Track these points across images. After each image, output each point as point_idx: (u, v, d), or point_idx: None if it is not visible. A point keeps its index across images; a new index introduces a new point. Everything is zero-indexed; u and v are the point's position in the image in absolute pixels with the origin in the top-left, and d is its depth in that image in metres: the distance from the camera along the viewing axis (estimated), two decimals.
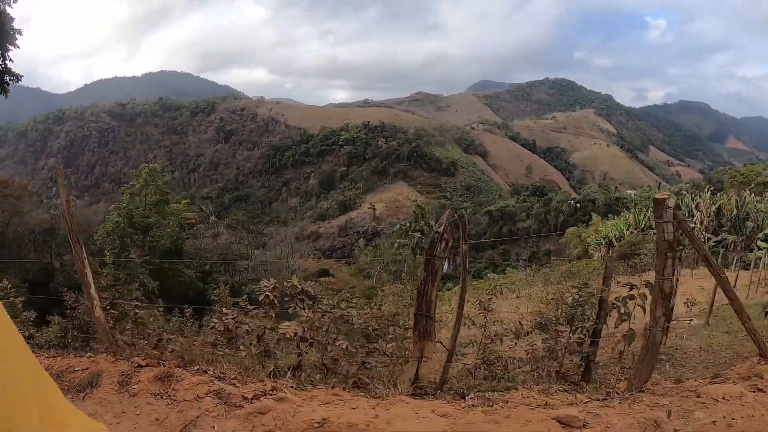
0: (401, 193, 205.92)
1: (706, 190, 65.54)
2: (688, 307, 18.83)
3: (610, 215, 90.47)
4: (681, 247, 8.05)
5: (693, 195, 65.09)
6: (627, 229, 63.74)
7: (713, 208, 58.28)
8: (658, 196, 6.76)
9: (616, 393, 6.35)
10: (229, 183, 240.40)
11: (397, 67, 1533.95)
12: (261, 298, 8.86)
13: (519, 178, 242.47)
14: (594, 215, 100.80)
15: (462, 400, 5.94)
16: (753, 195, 60.77)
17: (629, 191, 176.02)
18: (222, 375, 6.15)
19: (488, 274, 72.44)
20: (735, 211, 58.25)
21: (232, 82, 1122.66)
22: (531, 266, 78.58)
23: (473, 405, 5.61)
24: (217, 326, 8.24)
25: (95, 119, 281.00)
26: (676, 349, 12.97)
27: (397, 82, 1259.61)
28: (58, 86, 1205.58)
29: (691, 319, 18.05)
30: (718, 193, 66.41)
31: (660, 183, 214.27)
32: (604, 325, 8.75)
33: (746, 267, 41.49)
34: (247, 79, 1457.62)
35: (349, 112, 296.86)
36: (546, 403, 5.81)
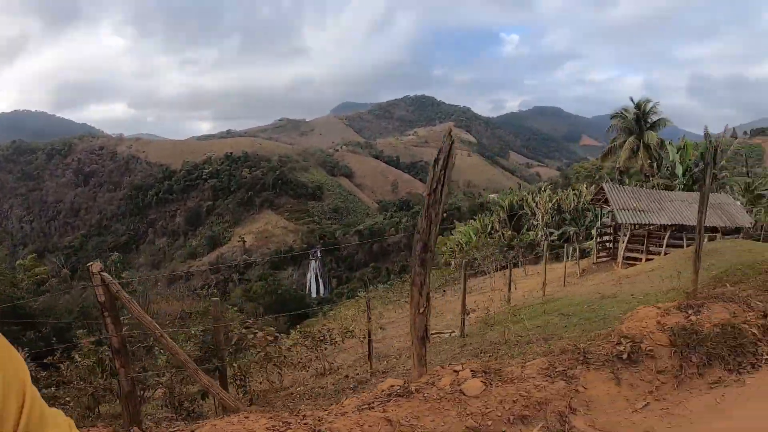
0: (269, 222, 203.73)
1: (543, 188, 68.14)
2: (469, 314, 18.64)
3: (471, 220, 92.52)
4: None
5: (533, 195, 67.54)
6: (475, 235, 65.18)
7: (549, 205, 60.45)
8: (89, 264, 7.33)
9: None
10: (92, 229, 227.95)
11: (260, 94, 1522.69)
12: None
13: (386, 195, 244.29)
14: (456, 223, 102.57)
15: None
16: (592, 187, 63.47)
17: (492, 195, 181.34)
18: None
19: (360, 293, 72.59)
20: (573, 204, 60.65)
21: (90, 119, 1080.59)
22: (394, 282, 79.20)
23: None
24: None
25: None
26: (354, 373, 12.84)
27: (261, 108, 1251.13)
28: None
29: (453, 332, 17.71)
30: (558, 190, 69.23)
31: (520, 184, 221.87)
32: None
33: (584, 256, 43.33)
34: (107, 115, 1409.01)
35: (212, 145, 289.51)
36: None
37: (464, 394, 5.45)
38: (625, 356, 6.06)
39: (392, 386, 5.88)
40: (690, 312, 7.14)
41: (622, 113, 56.85)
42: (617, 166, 57.26)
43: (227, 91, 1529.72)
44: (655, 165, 52.87)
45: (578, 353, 6.15)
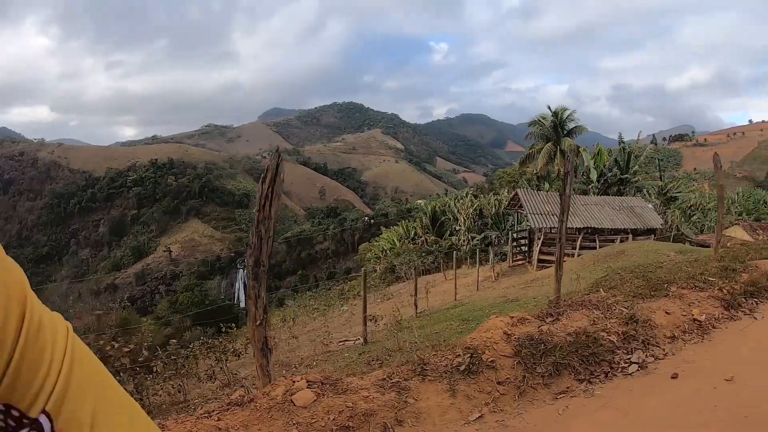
0: (196, 231, 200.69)
1: (465, 194, 68.83)
2: (375, 323, 18.40)
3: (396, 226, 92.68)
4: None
5: (456, 200, 68.25)
6: (399, 241, 65.45)
7: (470, 210, 61.08)
8: None
9: None
10: (12, 240, 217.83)
11: (187, 99, 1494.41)
12: None
13: (313, 202, 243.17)
14: (384, 229, 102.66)
15: None
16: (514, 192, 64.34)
17: (419, 201, 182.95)
18: None
19: (287, 302, 71.99)
20: (495, 209, 61.39)
21: (10, 122, 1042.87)
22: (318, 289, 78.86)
23: None
24: None
25: None
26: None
27: (188, 114, 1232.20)
28: None
29: (358, 339, 17.50)
30: (481, 195, 70.17)
31: (447, 190, 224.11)
32: None
33: (503, 259, 43.79)
34: (28, 118, 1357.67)
35: (136, 151, 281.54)
36: None
37: (294, 404, 5.49)
38: (463, 368, 6.01)
39: (240, 396, 5.87)
40: (549, 320, 7.15)
41: (539, 121, 58.05)
42: (535, 171, 58.31)
43: (153, 96, 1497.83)
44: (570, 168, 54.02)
45: (417, 365, 6.11)
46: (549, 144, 55.50)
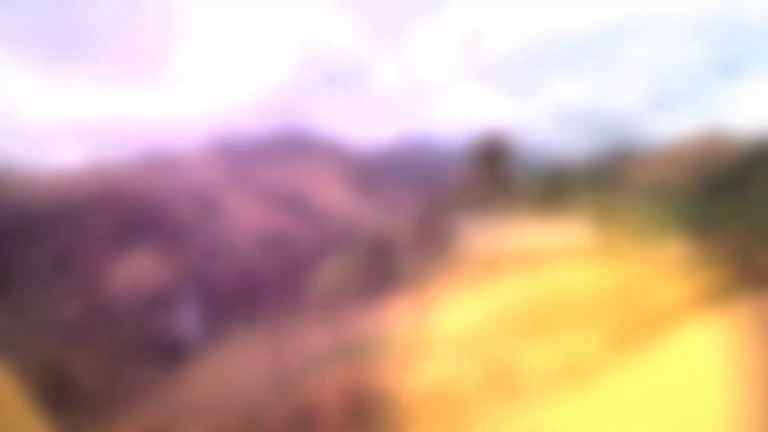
0: (141, 264, 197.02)
1: None
2: None
3: None
4: None
5: None
6: None
7: None
8: None
9: None
10: None
11: (129, 125, 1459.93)
12: None
13: None
14: None
15: None
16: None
17: None
18: None
19: None
20: None
21: None
22: None
23: None
24: None
25: None
26: None
27: (130, 140, 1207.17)
28: None
29: None
30: None
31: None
32: None
33: None
34: None
35: (76, 179, 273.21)
36: None
37: None
38: None
39: None
40: None
41: (478, 146, 58.56)
42: (475, 196, 58.53)
43: (95, 120, 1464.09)
44: (506, 190, 54.33)
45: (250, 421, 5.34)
46: (487, 168, 55.78)
